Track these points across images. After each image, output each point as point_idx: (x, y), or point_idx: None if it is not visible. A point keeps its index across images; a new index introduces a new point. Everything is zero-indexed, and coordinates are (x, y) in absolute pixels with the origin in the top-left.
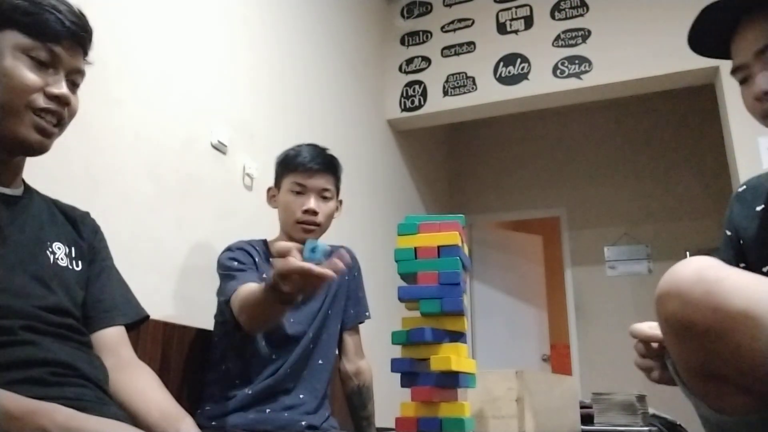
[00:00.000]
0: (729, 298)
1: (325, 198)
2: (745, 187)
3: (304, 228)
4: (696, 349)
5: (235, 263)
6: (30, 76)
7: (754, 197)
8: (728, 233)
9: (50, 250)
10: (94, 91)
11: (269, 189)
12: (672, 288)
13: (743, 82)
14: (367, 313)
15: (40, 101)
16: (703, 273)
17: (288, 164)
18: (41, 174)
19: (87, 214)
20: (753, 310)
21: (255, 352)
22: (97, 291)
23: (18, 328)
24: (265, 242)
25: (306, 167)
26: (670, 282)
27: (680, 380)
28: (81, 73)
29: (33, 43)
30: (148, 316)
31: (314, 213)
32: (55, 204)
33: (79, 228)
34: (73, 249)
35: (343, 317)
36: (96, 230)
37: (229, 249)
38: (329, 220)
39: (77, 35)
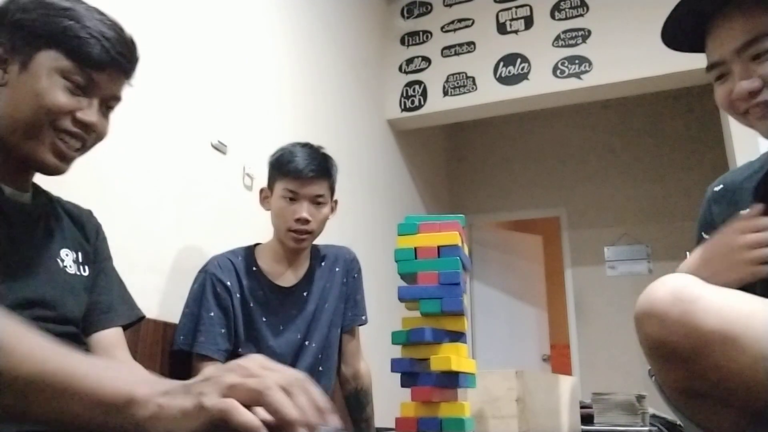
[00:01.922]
0: (705, 319)
1: (318, 204)
2: (722, 186)
3: (295, 238)
4: (676, 368)
5: (205, 312)
6: (62, 99)
7: (735, 199)
8: (706, 237)
9: (59, 258)
10: None
11: (262, 190)
12: (649, 309)
13: (719, 78)
14: (363, 317)
15: (67, 124)
16: (679, 293)
17: (281, 169)
18: (41, 174)
19: (90, 212)
20: (728, 330)
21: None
22: (95, 292)
23: None
24: (252, 251)
25: (299, 174)
26: (647, 303)
27: (666, 398)
28: (118, 99)
29: (73, 66)
30: (143, 317)
31: (306, 222)
32: (60, 203)
33: (84, 230)
34: (79, 254)
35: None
36: (98, 230)
37: (206, 274)
38: (322, 226)
39: (122, 65)
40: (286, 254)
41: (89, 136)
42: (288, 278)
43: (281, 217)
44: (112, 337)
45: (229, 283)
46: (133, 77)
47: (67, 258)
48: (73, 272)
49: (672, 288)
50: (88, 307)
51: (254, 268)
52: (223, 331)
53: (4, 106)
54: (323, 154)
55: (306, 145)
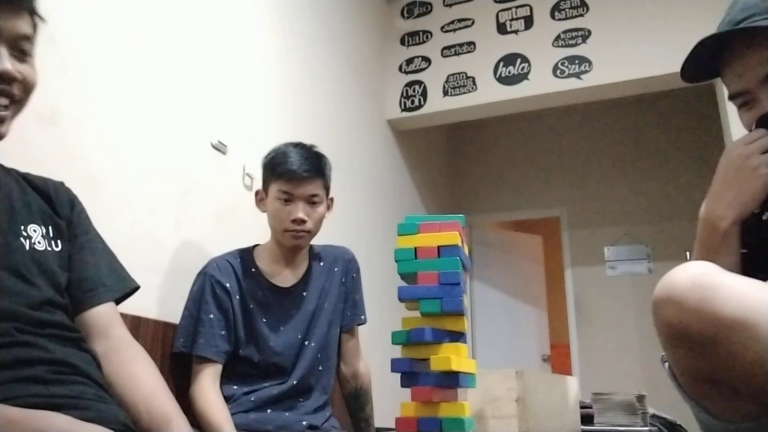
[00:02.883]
0: (723, 306)
1: (314, 203)
2: None
3: (293, 236)
4: (692, 355)
5: (204, 314)
6: None
7: None
8: None
9: (25, 234)
10: (94, 91)
11: (257, 192)
12: (667, 295)
13: (743, 105)
14: (362, 317)
15: None
16: (698, 280)
17: (274, 170)
18: (40, 174)
19: (61, 184)
20: (747, 317)
21: (255, 372)
22: (80, 269)
23: (14, 330)
24: (251, 252)
25: (293, 175)
26: (666, 289)
27: (678, 385)
28: (28, 38)
29: None
30: (138, 287)
31: (303, 222)
32: (25, 178)
33: (53, 203)
34: (50, 228)
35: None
36: (72, 202)
37: (205, 276)
38: (319, 225)
39: None
40: (284, 254)
41: (11, 87)
42: (287, 278)
43: (277, 219)
44: (104, 314)
45: (228, 285)
46: (37, 8)
47: (35, 234)
48: (42, 248)
49: (691, 274)
50: (74, 286)
51: (253, 269)
52: (223, 333)
53: None
54: (316, 153)
55: (298, 145)
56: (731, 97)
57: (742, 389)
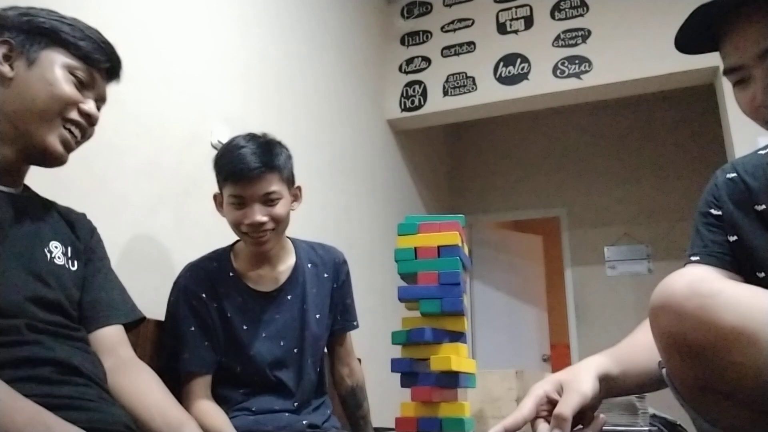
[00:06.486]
0: (722, 314)
1: (271, 201)
2: (735, 173)
3: (255, 241)
4: (691, 363)
5: (184, 328)
6: (70, 89)
7: (748, 188)
8: (715, 212)
9: (47, 248)
10: None
11: (215, 197)
12: (665, 302)
13: (739, 83)
14: (354, 323)
15: (73, 114)
16: (697, 287)
17: (221, 173)
18: (41, 174)
19: (83, 215)
20: (746, 326)
21: (241, 385)
22: (93, 290)
23: (25, 327)
24: (228, 254)
25: (240, 176)
26: (664, 296)
27: (677, 393)
28: (104, 101)
29: (79, 64)
30: (144, 318)
31: (261, 224)
32: (53, 205)
33: (75, 228)
34: (69, 249)
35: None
36: (92, 231)
37: (178, 288)
38: (284, 223)
39: (114, 67)
40: (262, 256)
41: (90, 129)
42: (268, 282)
43: (234, 225)
44: (114, 335)
45: (204, 295)
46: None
47: (56, 250)
48: (61, 263)
49: (690, 281)
50: (86, 305)
51: (231, 273)
52: (206, 343)
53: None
54: (267, 143)
55: (246, 138)
56: (726, 72)
57: (742, 397)
